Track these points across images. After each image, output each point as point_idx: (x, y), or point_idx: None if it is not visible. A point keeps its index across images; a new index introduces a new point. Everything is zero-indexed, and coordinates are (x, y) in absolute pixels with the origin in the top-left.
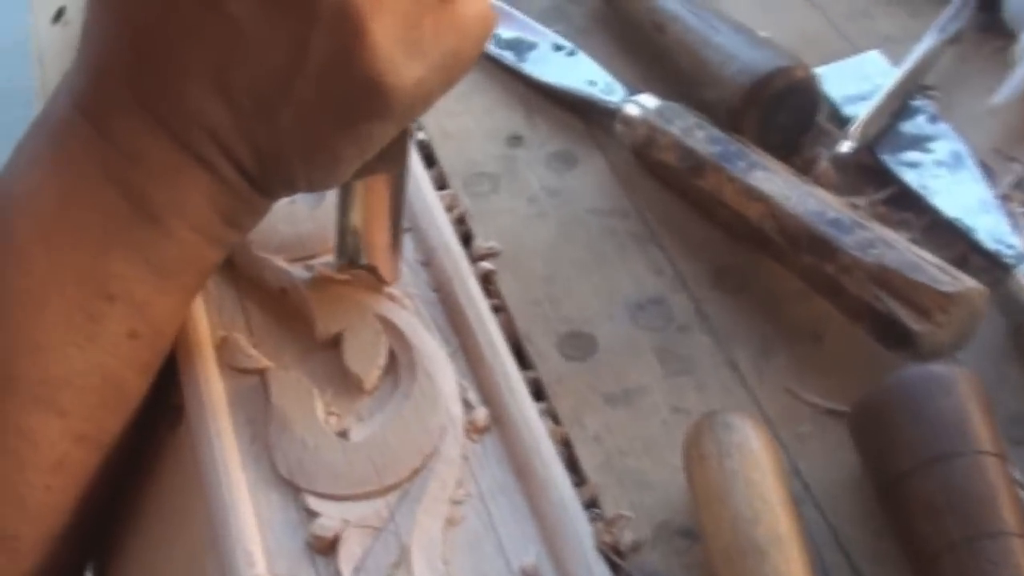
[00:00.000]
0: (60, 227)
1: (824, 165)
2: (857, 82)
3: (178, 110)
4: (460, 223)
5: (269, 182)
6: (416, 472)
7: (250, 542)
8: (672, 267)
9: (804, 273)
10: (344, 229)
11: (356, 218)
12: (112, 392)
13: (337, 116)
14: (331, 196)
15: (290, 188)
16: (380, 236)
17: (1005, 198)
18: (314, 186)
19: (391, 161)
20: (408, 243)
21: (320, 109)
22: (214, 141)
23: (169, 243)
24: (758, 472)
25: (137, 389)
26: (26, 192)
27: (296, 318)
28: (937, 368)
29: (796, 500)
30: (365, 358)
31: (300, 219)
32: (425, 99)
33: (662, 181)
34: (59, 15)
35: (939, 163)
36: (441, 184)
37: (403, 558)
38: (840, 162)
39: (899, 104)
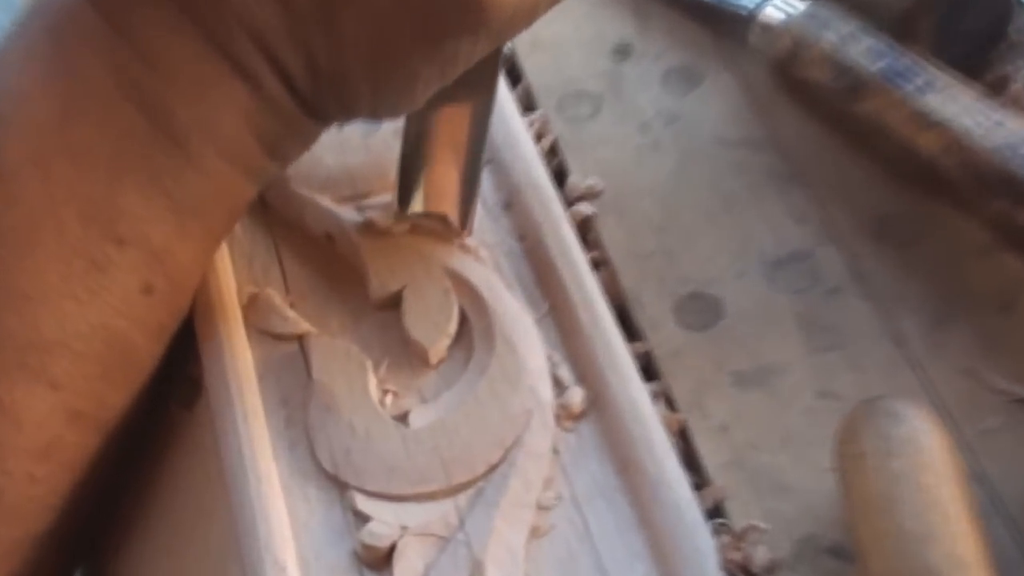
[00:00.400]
0: (58, 147)
1: (1020, 85)
2: None
3: (216, 4)
4: (552, 155)
5: (323, 104)
6: (493, 468)
7: (282, 550)
8: (820, 213)
9: (992, 223)
10: (409, 167)
11: (425, 155)
12: (117, 360)
13: (417, 27)
14: (389, 123)
15: (348, 113)
16: (453, 178)
17: None
18: (379, 112)
19: (476, 88)
20: (486, 180)
21: (396, 17)
22: (259, 47)
23: (195, 173)
24: (932, 476)
25: (148, 357)
26: (15, 99)
27: (344, 272)
28: None
29: (981, 513)
30: (430, 323)
31: (351, 149)
32: (529, 13)
33: (809, 105)
34: None
35: None
36: (528, 106)
37: (476, 575)
38: None
39: None
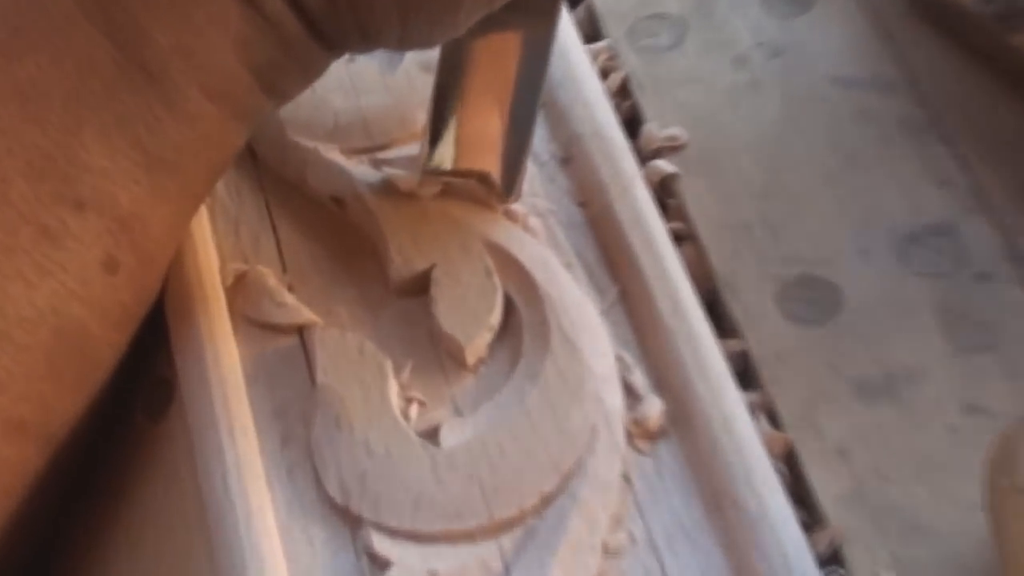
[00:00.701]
0: (1, 82)
1: None
2: None
3: None
4: (622, 96)
5: (338, 28)
6: (548, 500)
7: None
8: (966, 175)
9: None
10: (442, 111)
11: (463, 95)
12: (70, 355)
13: None
14: (415, 54)
15: (369, 41)
16: (498, 125)
17: None
18: (409, 42)
19: (534, 13)
20: (539, 128)
21: None
22: None
23: (173, 117)
24: None
25: (108, 352)
26: None
27: (357, 246)
28: None
29: None
30: (467, 314)
31: (365, 87)
32: None
33: (952, 35)
34: None
35: None
36: (592, 33)
37: None
38: None
39: None
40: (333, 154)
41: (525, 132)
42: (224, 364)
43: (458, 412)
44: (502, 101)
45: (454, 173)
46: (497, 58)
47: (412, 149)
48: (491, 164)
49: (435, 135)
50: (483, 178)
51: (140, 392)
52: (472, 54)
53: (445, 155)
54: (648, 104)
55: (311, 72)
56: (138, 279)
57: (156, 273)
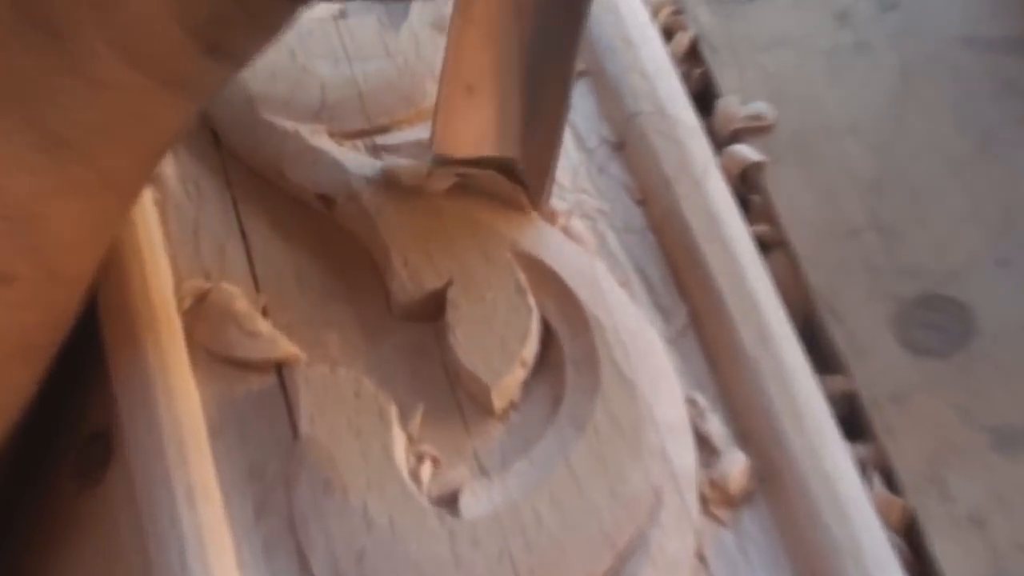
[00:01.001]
0: None
1: None
2: None
3: None
4: (692, 62)
5: None
6: None
7: None
8: None
9: None
10: (455, 84)
11: (483, 64)
12: None
13: None
14: (423, 7)
15: None
16: (526, 102)
17: None
18: None
19: None
20: (582, 104)
21: None
22: None
23: (85, 87)
24: None
25: (14, 395)
26: None
27: (350, 257)
28: None
29: None
30: (493, 344)
31: (360, 52)
32: None
33: None
34: None
35: None
36: None
37: None
38: None
39: None
40: (319, 139)
41: (560, 109)
42: (180, 410)
43: (483, 472)
44: (534, 71)
45: (472, 162)
46: (525, 14)
47: (420, 132)
48: (521, 151)
49: (447, 113)
50: (510, 168)
51: (69, 450)
52: (495, 9)
53: (461, 139)
54: (725, 72)
55: (268, 27)
56: (43, 295)
57: (70, 288)
